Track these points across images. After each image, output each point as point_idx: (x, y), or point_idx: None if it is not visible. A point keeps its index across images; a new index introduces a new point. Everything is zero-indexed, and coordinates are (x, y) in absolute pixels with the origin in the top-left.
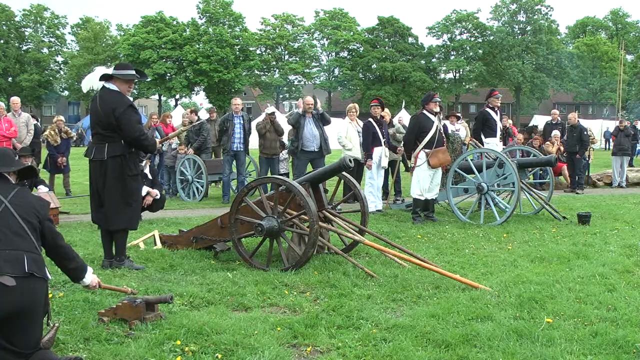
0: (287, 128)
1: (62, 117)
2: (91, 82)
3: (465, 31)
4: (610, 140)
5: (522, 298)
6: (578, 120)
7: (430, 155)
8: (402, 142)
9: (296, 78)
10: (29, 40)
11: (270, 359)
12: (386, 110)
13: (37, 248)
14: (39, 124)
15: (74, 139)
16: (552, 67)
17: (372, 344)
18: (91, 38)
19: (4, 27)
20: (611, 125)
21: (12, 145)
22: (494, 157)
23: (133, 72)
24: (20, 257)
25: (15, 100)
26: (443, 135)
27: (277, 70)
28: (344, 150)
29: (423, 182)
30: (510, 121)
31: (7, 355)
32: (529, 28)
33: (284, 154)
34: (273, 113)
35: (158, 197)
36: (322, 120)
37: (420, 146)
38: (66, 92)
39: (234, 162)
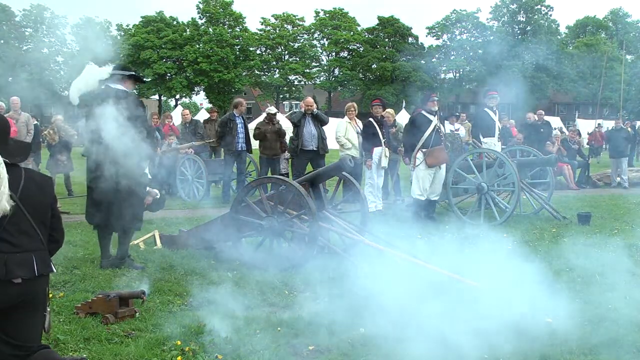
0: (287, 127)
1: (60, 116)
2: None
3: (465, 31)
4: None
5: (522, 298)
6: (537, 119)
7: (428, 154)
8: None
9: (296, 78)
10: (29, 40)
11: (270, 359)
12: (390, 110)
13: (43, 243)
14: (38, 124)
15: (75, 137)
16: (552, 67)
17: (374, 343)
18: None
19: (4, 27)
20: (611, 125)
21: None
22: (494, 157)
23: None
24: (30, 260)
25: (16, 100)
26: (441, 134)
27: (277, 70)
28: (343, 149)
29: (423, 182)
30: (512, 121)
31: (8, 349)
32: (528, 28)
33: (284, 154)
34: (275, 113)
35: (158, 196)
36: (318, 121)
37: (418, 146)
38: (66, 92)
39: (235, 162)
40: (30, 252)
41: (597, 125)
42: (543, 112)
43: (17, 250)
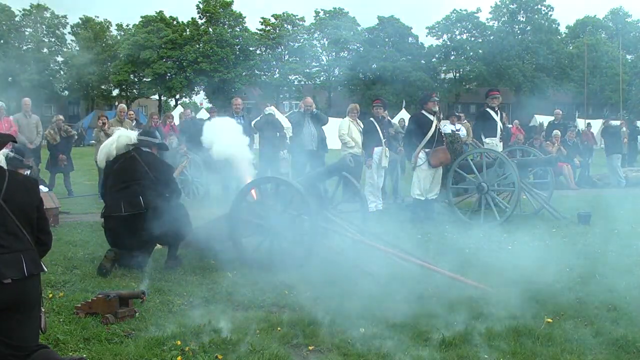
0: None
1: (61, 116)
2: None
3: (465, 31)
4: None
5: (523, 298)
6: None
7: (431, 154)
8: (402, 142)
9: (296, 78)
10: (29, 40)
11: (270, 359)
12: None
13: (31, 242)
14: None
15: (75, 137)
16: (552, 67)
17: (373, 343)
18: (91, 38)
19: (4, 27)
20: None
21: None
22: (494, 157)
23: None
24: (19, 260)
25: (27, 101)
26: (443, 134)
27: (277, 70)
28: (345, 147)
29: (424, 182)
30: (516, 121)
31: (5, 349)
32: (529, 28)
33: (284, 154)
34: (270, 114)
35: None
36: (318, 120)
37: (420, 146)
38: (66, 92)
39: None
40: (19, 253)
41: (586, 125)
42: (560, 112)
43: (5, 251)
